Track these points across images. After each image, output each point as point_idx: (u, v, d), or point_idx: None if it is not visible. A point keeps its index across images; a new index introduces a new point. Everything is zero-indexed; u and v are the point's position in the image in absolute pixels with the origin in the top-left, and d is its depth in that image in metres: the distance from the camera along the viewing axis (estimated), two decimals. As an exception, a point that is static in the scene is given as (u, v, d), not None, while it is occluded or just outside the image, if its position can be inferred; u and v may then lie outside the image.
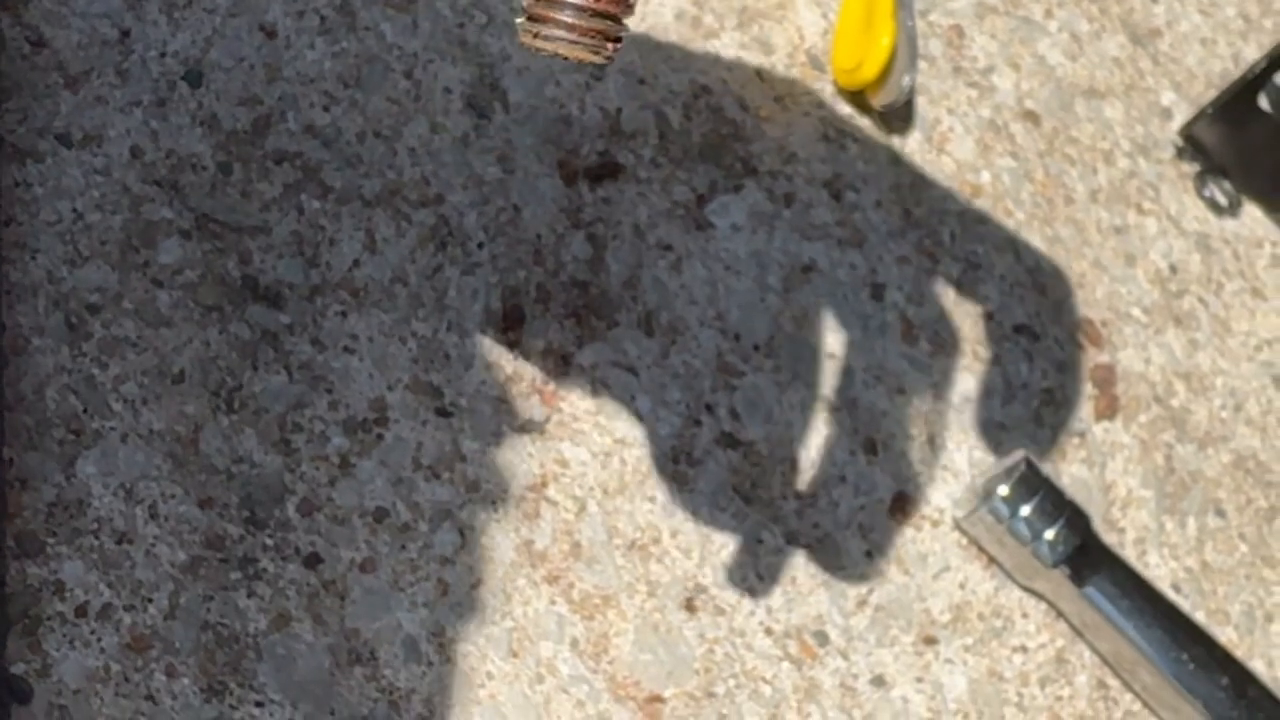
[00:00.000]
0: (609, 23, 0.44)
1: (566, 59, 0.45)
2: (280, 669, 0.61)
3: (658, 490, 0.67)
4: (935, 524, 0.71)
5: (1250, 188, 0.80)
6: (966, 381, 0.73)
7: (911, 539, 0.70)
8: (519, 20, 0.45)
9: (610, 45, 0.45)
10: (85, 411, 0.61)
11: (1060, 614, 0.71)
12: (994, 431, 0.73)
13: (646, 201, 0.71)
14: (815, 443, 0.70)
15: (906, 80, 0.74)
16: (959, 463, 0.72)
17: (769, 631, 0.67)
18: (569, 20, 0.44)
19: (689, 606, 0.66)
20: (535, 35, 0.45)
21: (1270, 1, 0.85)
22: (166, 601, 0.60)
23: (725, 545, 0.68)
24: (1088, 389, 0.75)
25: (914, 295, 0.73)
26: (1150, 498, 0.74)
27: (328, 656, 0.62)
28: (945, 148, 0.77)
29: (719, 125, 0.73)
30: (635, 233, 0.70)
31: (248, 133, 0.66)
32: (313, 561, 0.62)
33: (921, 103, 0.77)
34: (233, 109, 0.66)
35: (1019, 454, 0.71)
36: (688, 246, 0.71)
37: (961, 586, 0.70)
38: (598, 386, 0.68)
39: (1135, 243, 0.78)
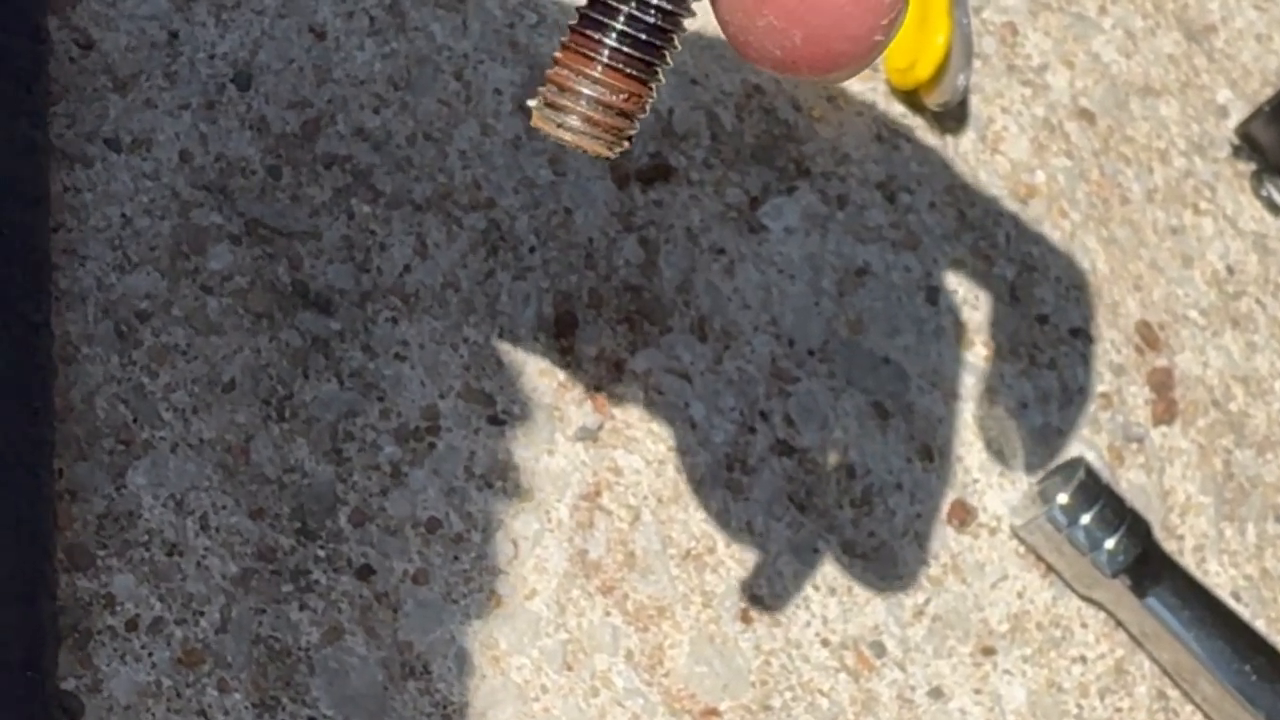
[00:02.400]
0: (624, 120, 0.43)
1: (576, 148, 0.44)
2: (333, 683, 0.60)
3: (712, 499, 0.66)
4: (993, 532, 0.70)
5: (1308, 187, 0.79)
6: (1023, 386, 0.72)
7: (969, 547, 0.69)
8: (533, 102, 0.44)
9: (624, 143, 0.44)
10: (135, 421, 0.61)
11: (1119, 624, 0.70)
12: (1051, 437, 0.72)
13: (699, 204, 0.70)
14: (871, 450, 0.69)
15: (961, 80, 0.73)
16: (1016, 469, 0.71)
17: (825, 643, 0.66)
18: (585, 112, 0.43)
19: (744, 617, 0.66)
20: (548, 121, 0.43)
21: (1327, -3, 0.84)
22: (218, 615, 0.60)
23: (781, 555, 0.67)
24: (1145, 393, 0.74)
25: (969, 298, 0.72)
26: (1209, 504, 0.73)
27: (381, 670, 0.61)
28: (999, 148, 0.75)
29: (772, 126, 0.72)
30: (688, 236, 0.69)
31: (297, 136, 0.65)
32: (365, 573, 0.62)
33: (975, 102, 0.76)
34: (282, 112, 0.65)
35: (1077, 460, 0.70)
36: (741, 250, 0.70)
37: (1019, 596, 0.69)
38: (651, 393, 0.67)
39: (1192, 243, 0.77)
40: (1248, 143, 0.79)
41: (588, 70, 0.42)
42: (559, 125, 0.43)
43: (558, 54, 0.43)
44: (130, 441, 0.60)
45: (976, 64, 0.76)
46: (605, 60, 0.42)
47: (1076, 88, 0.78)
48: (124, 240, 0.62)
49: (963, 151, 0.75)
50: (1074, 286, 0.74)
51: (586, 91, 0.42)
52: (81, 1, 0.64)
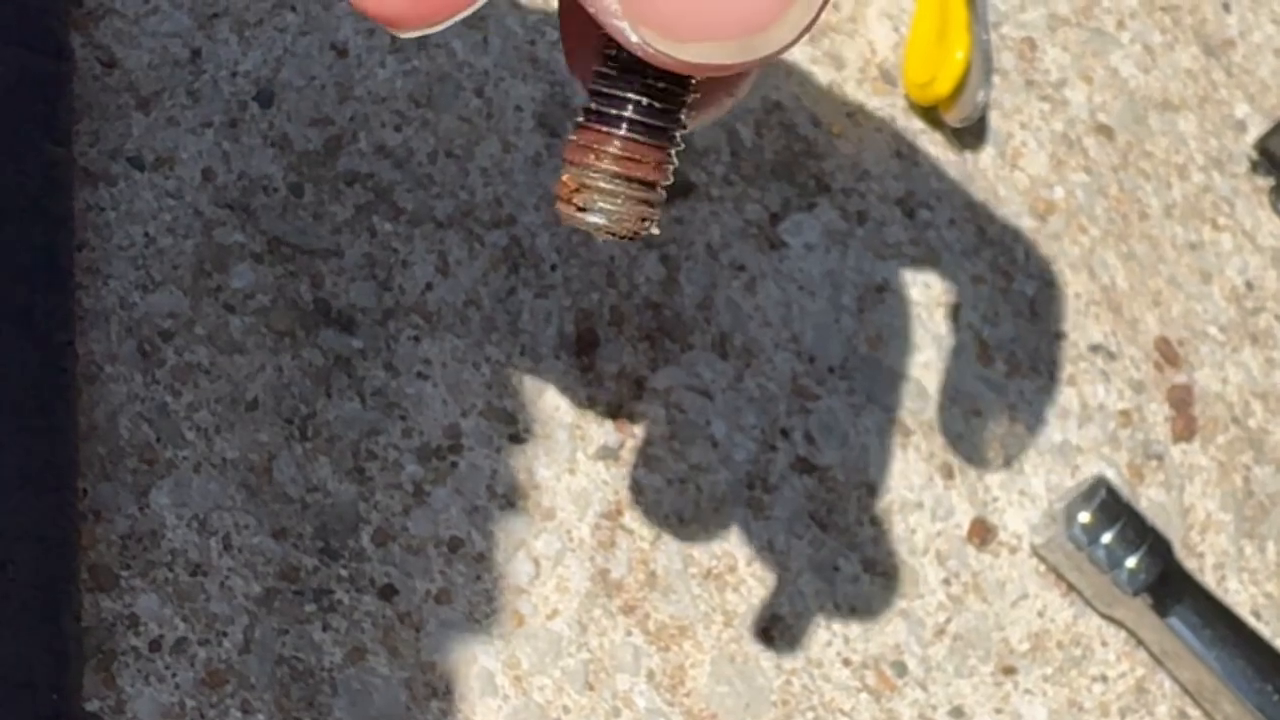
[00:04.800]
0: (650, 192, 0.43)
1: (608, 235, 0.44)
2: (355, 703, 0.60)
3: (733, 517, 0.66)
4: (1013, 550, 0.70)
5: (1327, 203, 0.79)
6: (1042, 403, 0.72)
7: (990, 566, 0.69)
8: (561, 205, 0.43)
9: (653, 220, 0.44)
10: (158, 440, 0.60)
11: (1140, 642, 0.70)
12: (1071, 454, 0.72)
13: (719, 221, 0.70)
14: (891, 467, 0.69)
15: (981, 95, 0.73)
16: (1036, 487, 0.71)
17: (847, 662, 0.66)
18: (609, 199, 0.43)
19: (766, 636, 0.65)
20: (576, 214, 0.43)
21: (1345, 11, 0.83)
22: (241, 635, 0.60)
23: (802, 573, 0.67)
24: (1165, 410, 0.74)
25: (989, 315, 0.72)
26: (1229, 521, 0.73)
27: (403, 690, 0.61)
28: (1018, 163, 0.75)
29: (791, 142, 0.72)
30: (708, 253, 0.69)
31: (319, 154, 0.65)
32: (388, 593, 0.61)
33: (994, 117, 0.76)
34: (304, 129, 0.65)
35: (1098, 478, 0.70)
36: (761, 266, 0.70)
37: (1040, 615, 0.69)
38: (672, 411, 0.67)
39: (1211, 259, 0.77)
40: (1266, 157, 0.79)
41: (607, 152, 0.42)
42: (586, 214, 0.42)
43: (569, 151, 0.43)
44: (153, 461, 0.60)
45: (995, 80, 0.76)
46: (618, 150, 0.42)
47: (1095, 103, 0.77)
48: (147, 259, 0.62)
49: (982, 167, 0.75)
50: (1093, 303, 0.74)
51: (605, 185, 0.42)
52: (104, 19, 0.64)
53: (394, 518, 0.62)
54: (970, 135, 0.75)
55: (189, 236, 0.63)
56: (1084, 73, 0.78)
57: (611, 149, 0.42)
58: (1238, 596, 0.72)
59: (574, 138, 0.43)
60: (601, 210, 0.42)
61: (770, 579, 0.66)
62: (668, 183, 0.43)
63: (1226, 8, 0.82)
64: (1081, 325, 0.73)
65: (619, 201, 0.42)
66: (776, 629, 0.66)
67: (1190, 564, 0.71)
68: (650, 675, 0.64)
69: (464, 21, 0.68)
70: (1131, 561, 0.68)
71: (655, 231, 0.43)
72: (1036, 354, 0.72)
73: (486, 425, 0.64)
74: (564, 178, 0.42)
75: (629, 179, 0.42)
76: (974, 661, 0.68)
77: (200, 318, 0.62)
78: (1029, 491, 0.70)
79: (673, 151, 0.43)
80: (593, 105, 0.42)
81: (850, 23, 0.75)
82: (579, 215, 0.42)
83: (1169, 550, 0.68)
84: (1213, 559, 0.72)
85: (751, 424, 0.68)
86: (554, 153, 0.68)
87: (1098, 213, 0.76)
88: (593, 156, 0.42)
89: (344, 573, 0.61)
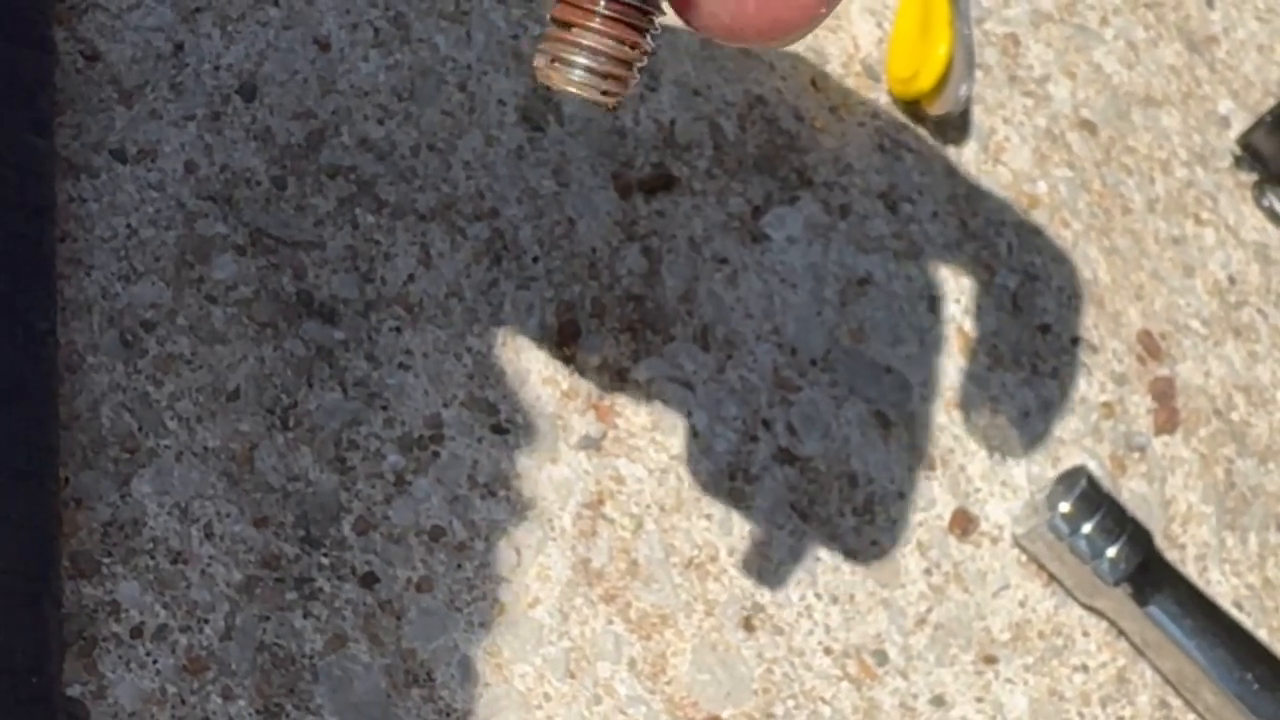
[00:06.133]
0: (624, 68, 0.46)
1: (579, 98, 0.47)
2: (337, 690, 0.60)
3: (715, 507, 0.67)
4: (994, 541, 0.70)
5: (1310, 198, 0.80)
6: (1024, 395, 0.72)
7: (971, 556, 0.69)
8: (539, 60, 0.46)
9: (623, 93, 0.46)
10: (140, 430, 0.61)
11: (1121, 632, 0.70)
12: (1053, 446, 0.72)
13: (701, 214, 0.70)
14: (873, 458, 0.69)
15: (963, 90, 0.73)
16: (1018, 478, 0.71)
17: (828, 651, 0.66)
18: (587, 62, 0.46)
19: (747, 625, 0.66)
20: (553, 73, 0.46)
21: (1328, 8, 0.84)
22: (222, 622, 0.60)
23: (783, 563, 0.67)
24: (1147, 402, 0.74)
25: (971, 308, 0.73)
26: (1211, 513, 0.73)
27: (384, 677, 0.61)
28: (1001, 158, 0.76)
29: (774, 136, 0.72)
30: (690, 245, 0.69)
31: (302, 147, 0.65)
32: (369, 581, 0.62)
33: (977, 112, 0.76)
34: (287, 123, 0.66)
35: (1079, 469, 0.70)
36: (743, 259, 0.70)
37: (1021, 604, 0.69)
38: (654, 402, 0.67)
39: (1193, 253, 0.77)
40: (1249, 153, 0.79)
41: (587, 21, 0.45)
42: (563, 77, 0.45)
43: (555, 10, 0.45)
44: (135, 450, 0.61)
45: (978, 74, 0.76)
46: (602, 11, 0.45)
47: (1078, 98, 0.78)
48: (129, 250, 0.62)
49: (965, 162, 0.75)
50: (1076, 296, 0.74)
51: (587, 42, 0.45)
52: (88, 13, 0.64)
53: (375, 507, 0.63)
54: (953, 130, 0.75)
55: (171, 228, 0.63)
56: (1067, 68, 0.78)
57: (598, 8, 0.45)
58: (1220, 588, 0.72)
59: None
60: (577, 66, 0.45)
61: (751, 568, 0.66)
62: (641, 64, 0.46)
63: (1210, 4, 0.82)
64: (1064, 318, 0.74)
65: (600, 60, 0.45)
66: (758, 618, 0.66)
67: (1172, 555, 0.72)
68: (631, 663, 0.64)
69: (447, 15, 0.69)
70: (1112, 551, 0.68)
71: (620, 97, 0.46)
72: (1019, 347, 0.73)
73: (468, 415, 0.65)
74: (548, 30, 0.45)
75: (612, 38, 0.45)
76: (955, 651, 0.68)
77: (182, 308, 0.62)
78: (1011, 482, 0.71)
79: (649, 34, 0.46)
80: None
81: (834, 18, 0.75)
82: (550, 70, 0.45)
83: (1149, 540, 0.69)
84: (1194, 550, 0.73)
85: (733, 415, 0.68)
86: (536, 146, 0.69)
87: (1080, 207, 0.76)
88: (579, 14, 0.45)
89: (325, 561, 0.62)
